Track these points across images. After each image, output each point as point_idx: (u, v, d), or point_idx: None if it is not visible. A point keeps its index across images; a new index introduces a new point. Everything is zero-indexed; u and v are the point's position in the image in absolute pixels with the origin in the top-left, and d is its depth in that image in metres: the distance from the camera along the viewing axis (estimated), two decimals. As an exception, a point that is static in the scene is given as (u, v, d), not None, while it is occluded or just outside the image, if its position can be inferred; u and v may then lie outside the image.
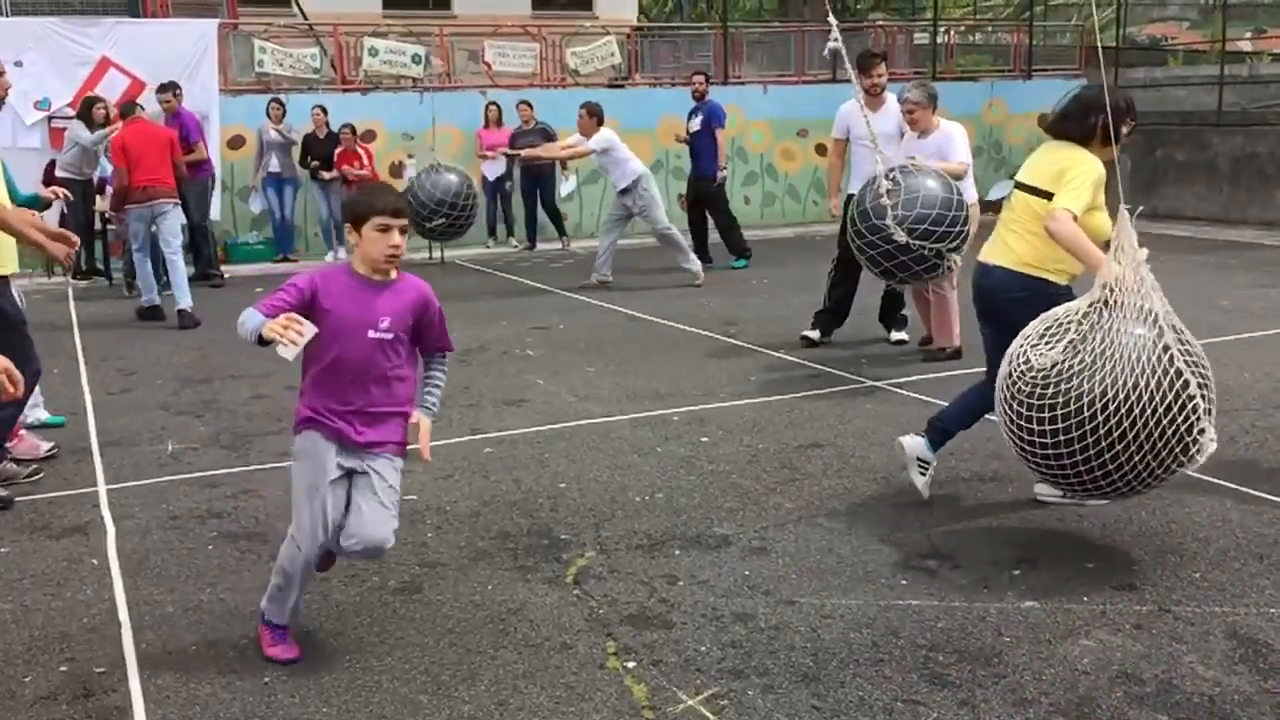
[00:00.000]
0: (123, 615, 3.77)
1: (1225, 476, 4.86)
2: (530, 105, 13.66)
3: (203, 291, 10.93)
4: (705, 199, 11.92)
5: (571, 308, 9.72)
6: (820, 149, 15.43)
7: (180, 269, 9.30)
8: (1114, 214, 3.92)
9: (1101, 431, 3.69)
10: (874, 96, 7.70)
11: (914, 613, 3.65)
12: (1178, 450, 3.75)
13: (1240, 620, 3.53)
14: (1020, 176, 4.56)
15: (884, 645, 3.43)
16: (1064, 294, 4.36)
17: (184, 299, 9.18)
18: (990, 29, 23.73)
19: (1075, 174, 4.23)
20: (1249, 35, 27.09)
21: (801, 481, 4.97)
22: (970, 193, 6.95)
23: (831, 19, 6.65)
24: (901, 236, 6.21)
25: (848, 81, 7.99)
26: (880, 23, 21.31)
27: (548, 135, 13.44)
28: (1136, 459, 3.72)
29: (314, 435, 3.40)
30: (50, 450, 5.54)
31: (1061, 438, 3.77)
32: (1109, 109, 4.16)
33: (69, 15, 12.97)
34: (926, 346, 7.53)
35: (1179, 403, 3.67)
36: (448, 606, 3.79)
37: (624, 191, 10.34)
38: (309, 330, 3.12)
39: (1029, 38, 18.38)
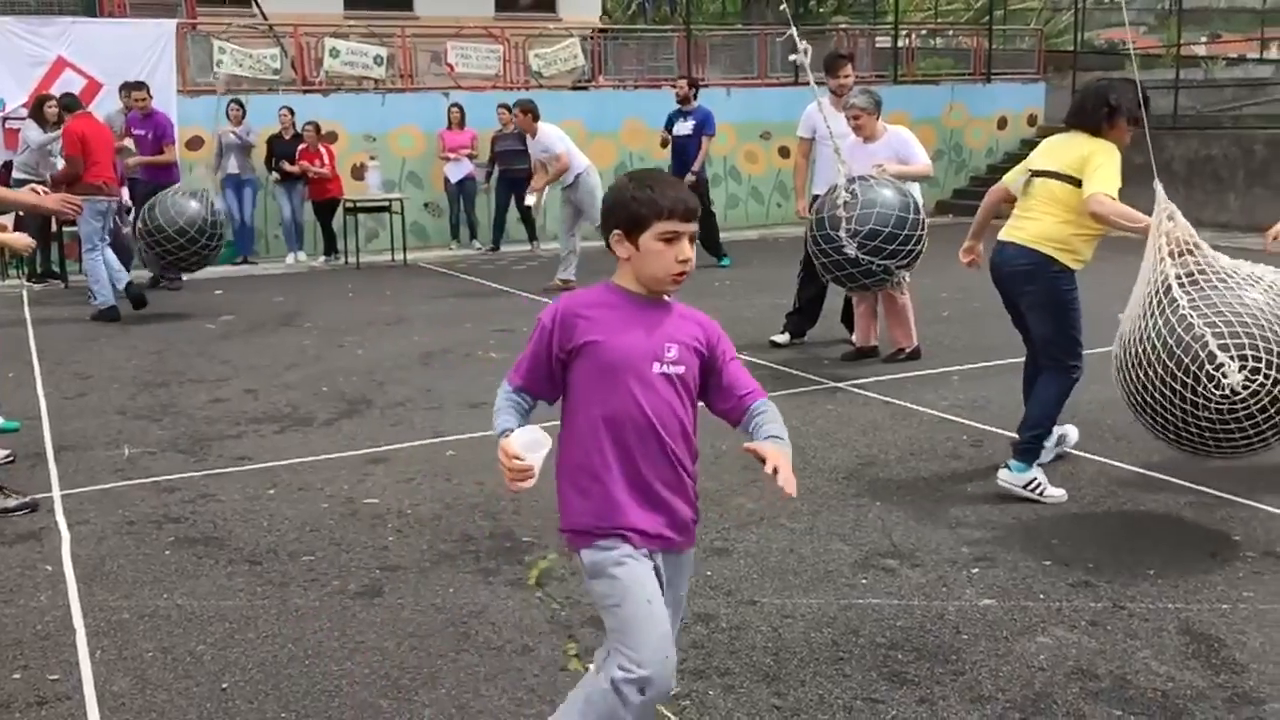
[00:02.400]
0: (77, 622, 3.72)
1: (1179, 474, 4.93)
2: (509, 109, 13.62)
3: (161, 294, 10.83)
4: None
5: (535, 310, 9.64)
6: (784, 151, 15.52)
7: (113, 254, 9.59)
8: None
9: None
10: (840, 97, 7.73)
11: (874, 611, 3.67)
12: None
13: (1193, 616, 3.58)
14: (1038, 165, 4.76)
15: (844, 644, 3.45)
16: (1065, 277, 4.61)
17: (125, 276, 9.60)
18: (951, 33, 23.94)
19: (1100, 159, 4.49)
20: (1204, 40, 27.47)
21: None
22: (919, 194, 6.97)
23: (794, 31, 6.67)
24: (851, 250, 6.26)
25: (820, 84, 8.05)
26: (843, 26, 21.43)
27: (524, 139, 13.42)
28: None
29: (617, 545, 2.45)
30: (6, 458, 5.45)
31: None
32: (1137, 98, 4.54)
33: (24, 15, 12.82)
34: (853, 356, 7.45)
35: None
36: (409, 610, 3.77)
37: (568, 187, 10.38)
38: (535, 457, 2.38)
39: (988, 42, 18.55)
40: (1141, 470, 5.03)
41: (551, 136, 10.41)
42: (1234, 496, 4.66)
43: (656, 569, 2.47)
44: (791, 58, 6.67)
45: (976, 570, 3.98)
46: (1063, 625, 3.54)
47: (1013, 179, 4.97)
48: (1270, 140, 13.94)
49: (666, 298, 2.52)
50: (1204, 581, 3.84)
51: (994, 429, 5.71)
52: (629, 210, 2.43)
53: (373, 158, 13.58)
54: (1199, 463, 5.09)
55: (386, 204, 13.27)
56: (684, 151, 11.77)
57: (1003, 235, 4.85)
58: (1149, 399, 4.11)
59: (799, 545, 4.25)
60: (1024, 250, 4.67)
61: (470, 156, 14.03)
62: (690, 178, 11.66)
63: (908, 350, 7.31)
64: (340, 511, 4.74)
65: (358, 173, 13.69)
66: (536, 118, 10.47)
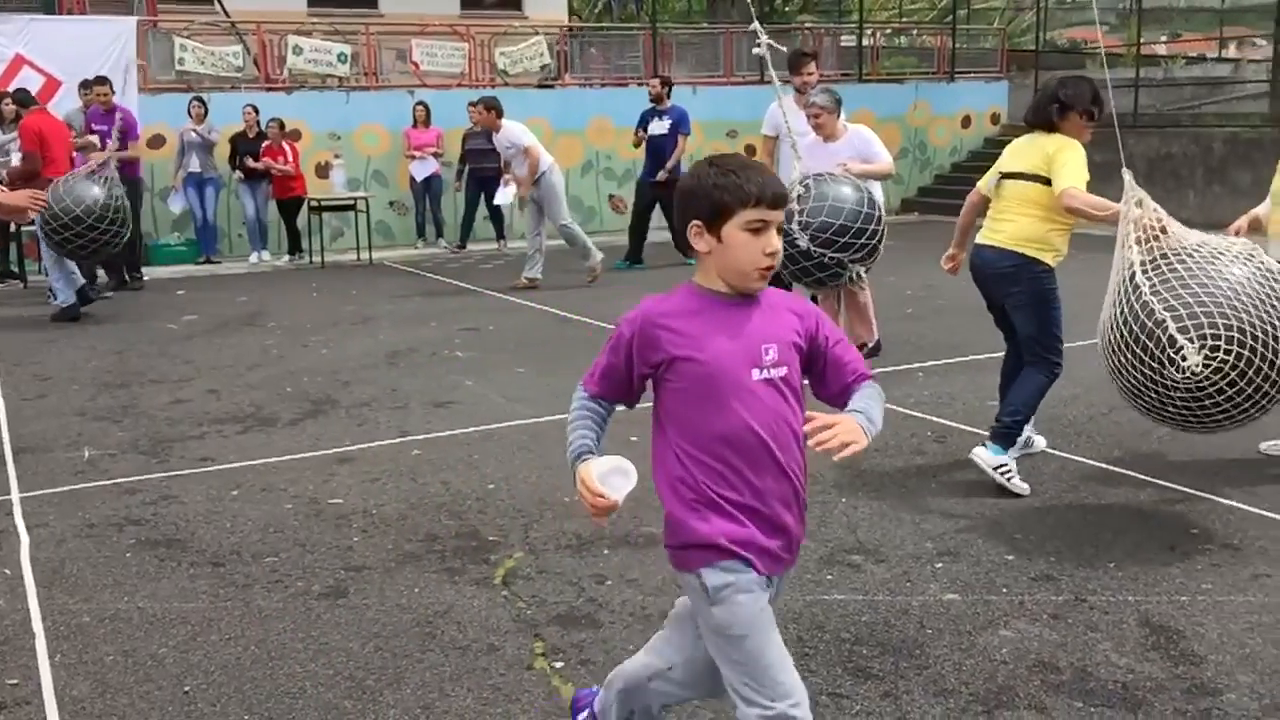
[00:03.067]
0: (36, 626, 3.67)
1: (1139, 469, 4.99)
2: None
3: (122, 294, 10.72)
4: (665, 201, 11.97)
5: (502, 309, 9.69)
6: (750, 149, 15.55)
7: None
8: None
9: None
10: (804, 95, 7.75)
11: (839, 607, 3.69)
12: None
13: (1152, 608, 3.62)
14: (1006, 167, 4.90)
15: (809, 639, 3.46)
16: (1047, 274, 4.75)
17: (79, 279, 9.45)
18: (915, 32, 24.10)
19: (1065, 156, 4.63)
20: (1164, 39, 27.80)
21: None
22: (878, 192, 6.98)
23: (756, 25, 6.69)
24: (803, 243, 6.26)
25: (785, 82, 8.07)
26: (808, 25, 21.52)
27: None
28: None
29: (742, 568, 2.24)
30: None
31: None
32: (1089, 92, 4.71)
33: (-20, 11, 12.64)
34: None
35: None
36: (373, 610, 3.75)
37: (533, 184, 10.37)
38: (619, 493, 2.19)
39: (952, 41, 18.68)
40: (1103, 465, 5.09)
41: (516, 131, 10.39)
42: (1193, 490, 4.72)
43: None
44: (754, 51, 6.68)
45: (940, 565, 4.01)
46: (1025, 618, 3.57)
47: (986, 184, 5.05)
48: (1229, 138, 14.14)
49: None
50: (1163, 574, 3.88)
51: (959, 425, 5.75)
52: (711, 199, 2.20)
53: (337, 156, 13.50)
54: (1159, 457, 5.16)
55: (351, 203, 13.20)
56: (660, 150, 11.76)
57: (981, 238, 4.95)
58: (1129, 383, 4.23)
59: (765, 542, 4.26)
60: (1006, 253, 4.79)
61: (436, 155, 13.98)
62: (663, 175, 11.70)
63: (869, 345, 7.34)
64: (304, 512, 4.70)
65: (322, 171, 13.61)
66: (500, 114, 10.44)
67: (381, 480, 5.10)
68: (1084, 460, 5.16)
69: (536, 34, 16.07)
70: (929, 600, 3.73)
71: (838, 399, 2.36)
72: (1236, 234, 4.81)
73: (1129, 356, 4.16)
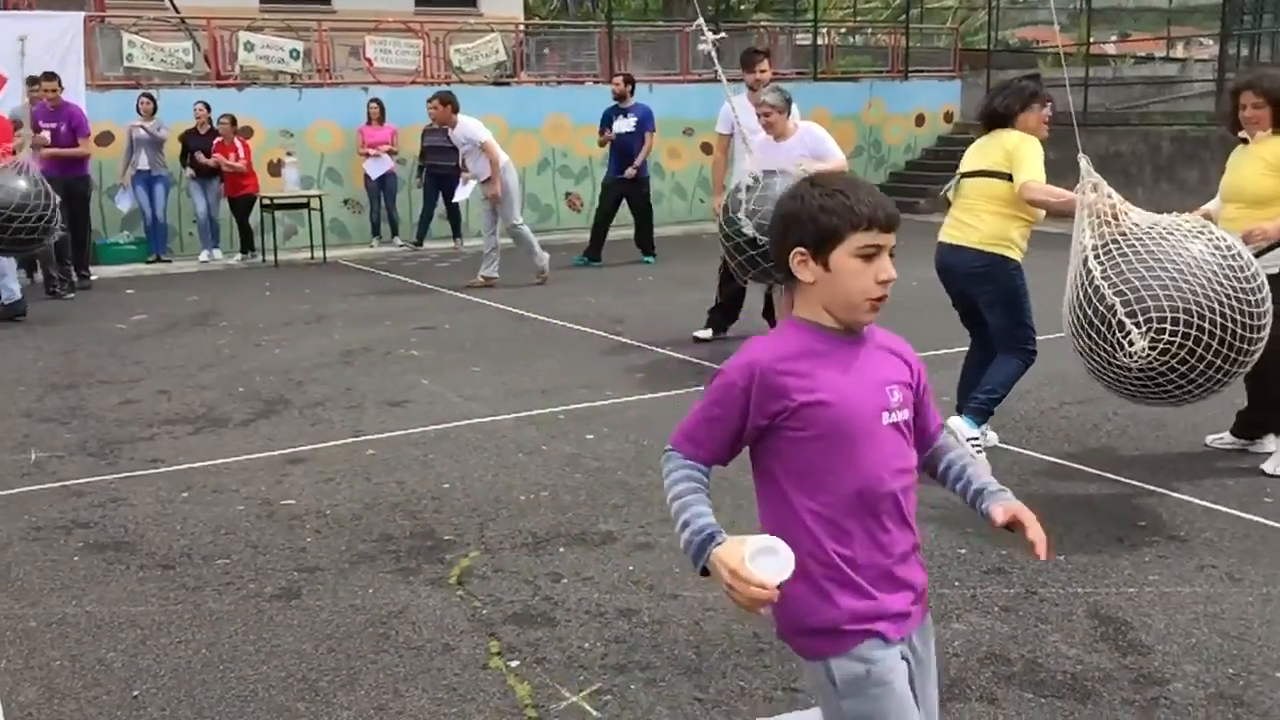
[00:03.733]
0: (-19, 632, 3.61)
1: (1088, 463, 5.06)
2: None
3: (65, 294, 10.54)
4: (633, 198, 11.98)
5: (457, 307, 9.64)
6: (706, 147, 15.58)
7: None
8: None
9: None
10: (756, 92, 7.77)
11: (794, 603, 3.70)
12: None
13: (1101, 600, 3.68)
14: (968, 167, 5.07)
15: (764, 635, 3.47)
16: (1017, 270, 4.92)
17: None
18: (869, 31, 24.26)
19: (1023, 151, 4.83)
20: (1114, 39, 28.19)
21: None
22: None
23: (700, 21, 6.70)
24: (749, 230, 6.28)
25: (736, 80, 8.10)
26: (763, 23, 21.60)
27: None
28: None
29: (876, 648, 1.96)
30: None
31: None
32: (1038, 87, 5.00)
33: (-78, 6, 12.38)
34: None
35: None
36: (327, 611, 3.72)
37: (486, 182, 10.33)
38: (778, 577, 1.82)
39: (906, 40, 18.83)
40: (1053, 459, 5.15)
41: (473, 126, 10.34)
42: (1141, 484, 4.79)
43: (904, 656, 2.01)
44: (700, 47, 6.70)
45: (894, 560, 4.04)
46: (977, 611, 3.61)
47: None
48: (1176, 136, 14.36)
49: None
50: (1112, 566, 3.94)
51: (912, 420, 5.80)
52: (817, 222, 1.94)
53: (290, 154, 13.36)
54: (1109, 451, 5.24)
55: (305, 201, 13.07)
56: (627, 149, 11.74)
57: (948, 238, 5.08)
58: (1091, 363, 4.39)
59: (720, 538, 4.27)
60: (977, 253, 4.94)
61: (390, 153, 13.88)
62: (631, 172, 11.71)
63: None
64: (257, 513, 4.65)
65: (274, 169, 13.45)
66: (456, 108, 10.37)
67: (335, 480, 5.06)
68: (1035, 455, 5.22)
69: (492, 31, 15.99)
70: (883, 595, 3.75)
71: (921, 450, 2.15)
72: None
73: (1086, 340, 4.33)
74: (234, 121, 12.75)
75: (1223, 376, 4.19)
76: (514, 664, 3.34)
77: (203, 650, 3.46)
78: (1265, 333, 4.21)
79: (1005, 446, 5.32)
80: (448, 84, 14.87)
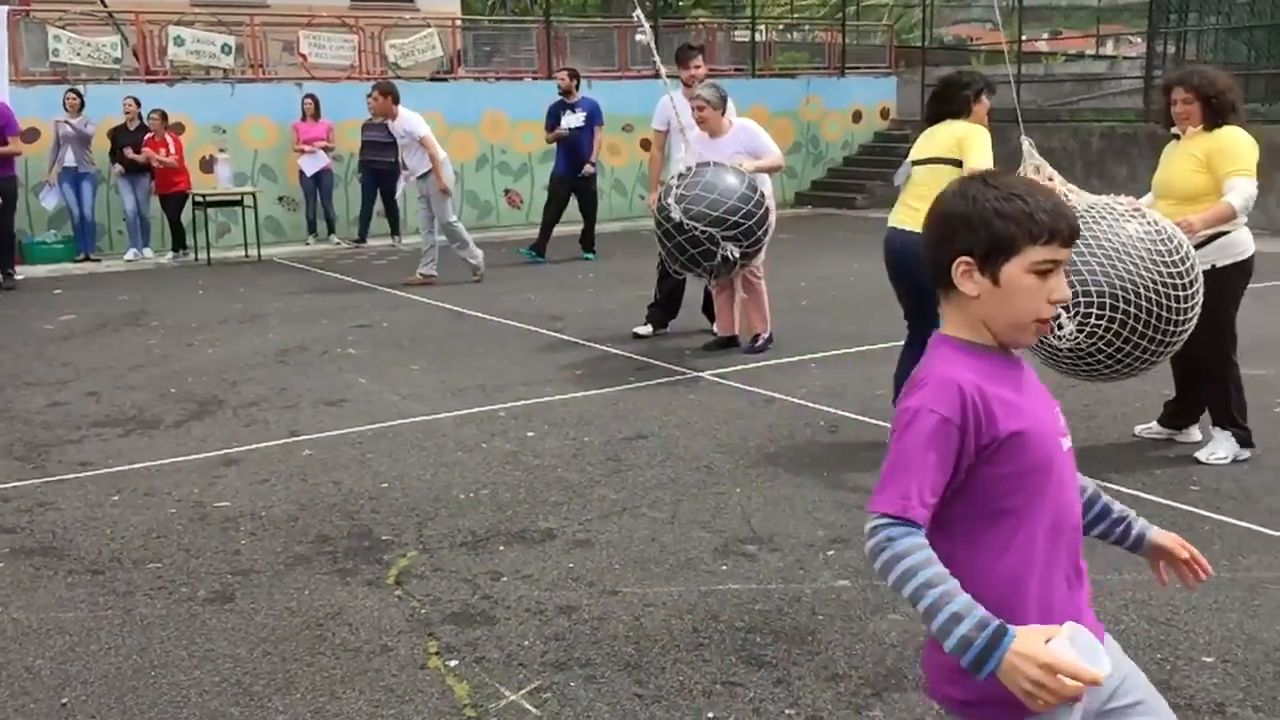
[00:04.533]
0: (-99, 642, 3.51)
1: (1022, 454, 5.13)
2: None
3: (-5, 294, 10.30)
4: (582, 195, 11.94)
5: (395, 305, 9.55)
6: (646, 144, 15.60)
7: None
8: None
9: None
10: (691, 88, 7.79)
11: (733, 597, 3.73)
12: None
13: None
14: (919, 155, 5.22)
15: (704, 630, 3.49)
16: None
17: None
18: (807, 28, 24.43)
19: (972, 139, 5.03)
20: (1046, 37, 28.67)
21: (626, 473, 5.02)
22: (767, 185, 7.04)
23: (638, 13, 6.70)
24: (677, 214, 6.30)
25: (675, 76, 8.11)
26: (702, 20, 21.67)
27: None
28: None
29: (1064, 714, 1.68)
30: None
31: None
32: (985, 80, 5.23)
33: None
34: (715, 346, 7.49)
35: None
36: (261, 615, 3.66)
37: (422, 177, 10.26)
38: (1102, 656, 1.58)
39: (842, 37, 18.99)
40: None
41: (414, 120, 10.23)
42: (1072, 473, 4.87)
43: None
44: (638, 38, 6.70)
45: (832, 552, 4.08)
46: (913, 602, 3.65)
47: None
48: (1106, 133, 14.63)
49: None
50: (1044, 555, 4.01)
51: (850, 414, 5.85)
52: (991, 230, 1.70)
53: (222, 150, 13.14)
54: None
55: (238, 198, 12.87)
56: (576, 144, 11.68)
57: (898, 223, 5.20)
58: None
59: (660, 534, 4.28)
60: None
61: (326, 149, 13.71)
62: (590, 169, 11.72)
63: (764, 337, 7.39)
64: (189, 516, 4.57)
65: (207, 165, 13.24)
66: (396, 100, 10.27)
67: (270, 481, 4.99)
68: (970, 446, 5.28)
69: (429, 26, 15.86)
70: (821, 587, 3.79)
71: None
72: None
73: None
74: (164, 117, 12.52)
75: (1151, 357, 4.41)
76: (453, 663, 3.32)
77: (133, 656, 3.39)
78: (1194, 314, 4.39)
79: (941, 439, 5.38)
80: (383, 80, 14.75)
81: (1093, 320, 4.30)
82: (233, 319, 9.02)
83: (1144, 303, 4.28)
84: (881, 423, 5.63)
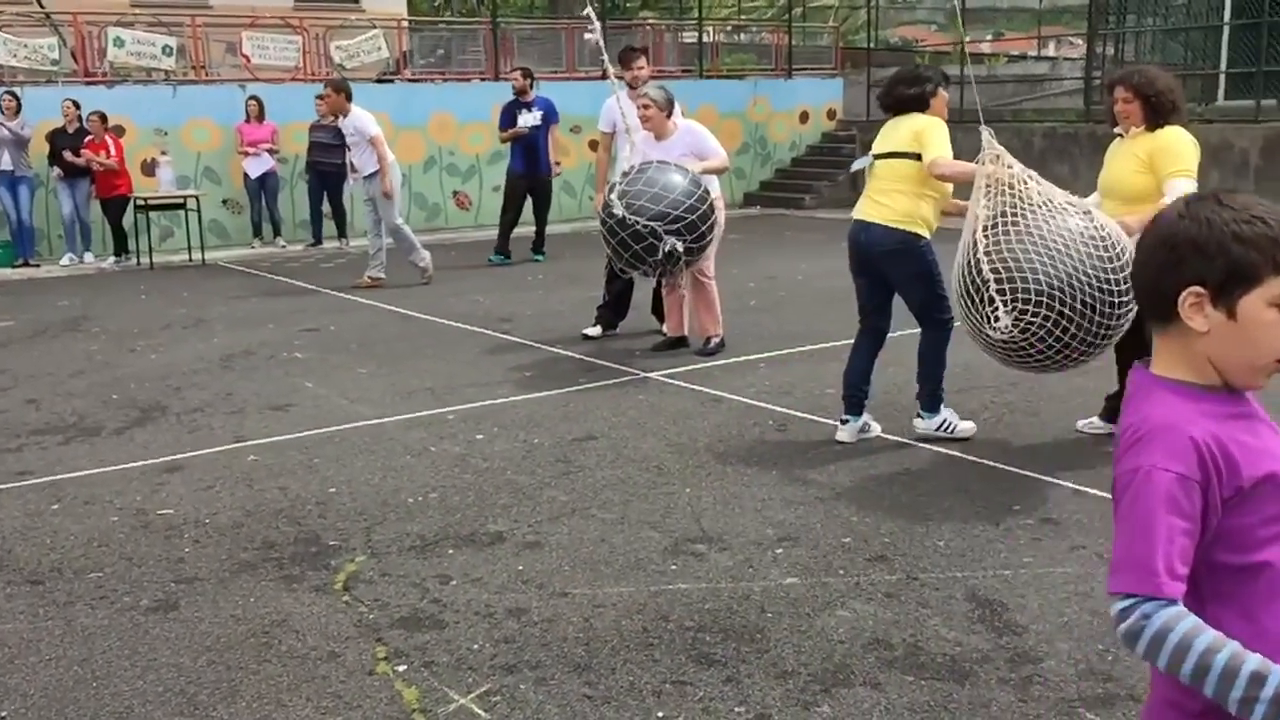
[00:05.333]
0: None
1: (966, 450, 5.20)
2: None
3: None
4: (540, 194, 11.90)
5: (343, 308, 9.47)
6: (594, 145, 15.58)
7: None
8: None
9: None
10: (635, 89, 7.80)
11: (683, 596, 3.74)
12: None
13: (979, 583, 3.79)
14: (880, 149, 5.29)
15: (654, 630, 3.50)
16: (927, 245, 5.14)
17: None
18: (754, 29, 24.55)
19: (930, 132, 5.10)
20: (989, 38, 29.04)
21: (575, 474, 5.01)
22: (715, 186, 7.07)
23: (589, 10, 6.69)
24: (619, 210, 6.32)
25: (619, 77, 8.11)
26: (649, 21, 21.70)
27: (342, 133, 13.10)
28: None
29: None
30: None
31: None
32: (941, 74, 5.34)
33: None
34: (664, 347, 7.50)
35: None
36: (206, 623, 3.62)
37: (368, 178, 10.18)
38: None
39: (789, 38, 19.10)
40: (933, 448, 5.29)
41: (366, 119, 10.15)
42: (1016, 469, 4.94)
43: None
44: (587, 36, 6.70)
45: (781, 550, 4.10)
46: (860, 598, 3.68)
47: None
48: (1047, 132, 14.85)
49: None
50: (989, 550, 4.06)
51: (798, 413, 5.89)
52: (1230, 257, 1.48)
53: (164, 152, 12.94)
54: (985, 438, 5.39)
55: (181, 201, 12.68)
56: (533, 143, 11.62)
57: (863, 215, 5.27)
58: (969, 327, 4.74)
59: (610, 535, 4.29)
60: (890, 231, 5.14)
61: (271, 151, 13.56)
62: (558, 169, 11.72)
63: (715, 339, 7.41)
64: (132, 524, 4.50)
65: (148, 168, 13.03)
66: (349, 97, 10.19)
67: (215, 488, 4.92)
68: (916, 444, 5.34)
69: (374, 27, 15.73)
70: (770, 585, 3.81)
71: None
72: None
73: (963, 307, 4.69)
74: (104, 119, 12.31)
75: (1082, 355, 4.58)
76: (401, 668, 3.29)
77: (75, 667, 3.33)
78: (1128, 315, 4.50)
79: (888, 437, 5.44)
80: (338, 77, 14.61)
81: (1028, 317, 4.44)
82: (176, 324, 8.89)
83: (1080, 302, 4.42)
84: (830, 421, 5.67)
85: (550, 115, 11.62)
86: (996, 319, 4.50)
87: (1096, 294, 4.42)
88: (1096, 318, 4.44)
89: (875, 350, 5.40)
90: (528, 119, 11.54)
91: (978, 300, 4.58)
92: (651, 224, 6.30)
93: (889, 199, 5.19)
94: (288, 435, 5.71)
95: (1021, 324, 4.47)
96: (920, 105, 5.21)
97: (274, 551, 4.20)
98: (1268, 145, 12.82)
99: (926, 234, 5.17)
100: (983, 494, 4.66)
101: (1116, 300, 4.44)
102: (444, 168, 15.35)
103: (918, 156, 5.09)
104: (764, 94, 17.95)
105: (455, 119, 15.25)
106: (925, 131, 5.10)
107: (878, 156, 5.29)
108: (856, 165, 5.50)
